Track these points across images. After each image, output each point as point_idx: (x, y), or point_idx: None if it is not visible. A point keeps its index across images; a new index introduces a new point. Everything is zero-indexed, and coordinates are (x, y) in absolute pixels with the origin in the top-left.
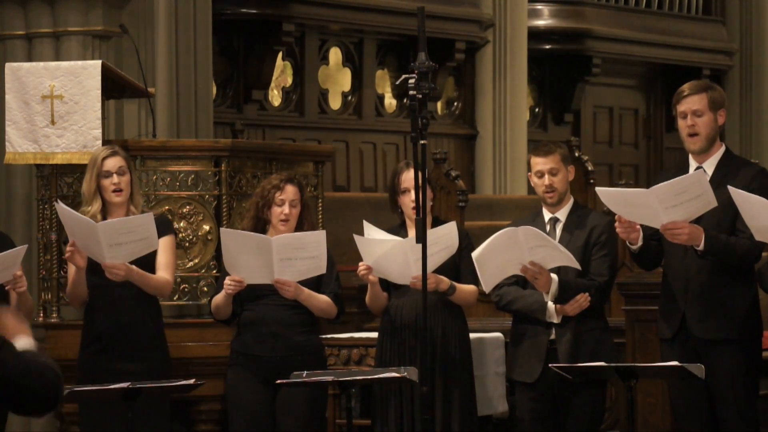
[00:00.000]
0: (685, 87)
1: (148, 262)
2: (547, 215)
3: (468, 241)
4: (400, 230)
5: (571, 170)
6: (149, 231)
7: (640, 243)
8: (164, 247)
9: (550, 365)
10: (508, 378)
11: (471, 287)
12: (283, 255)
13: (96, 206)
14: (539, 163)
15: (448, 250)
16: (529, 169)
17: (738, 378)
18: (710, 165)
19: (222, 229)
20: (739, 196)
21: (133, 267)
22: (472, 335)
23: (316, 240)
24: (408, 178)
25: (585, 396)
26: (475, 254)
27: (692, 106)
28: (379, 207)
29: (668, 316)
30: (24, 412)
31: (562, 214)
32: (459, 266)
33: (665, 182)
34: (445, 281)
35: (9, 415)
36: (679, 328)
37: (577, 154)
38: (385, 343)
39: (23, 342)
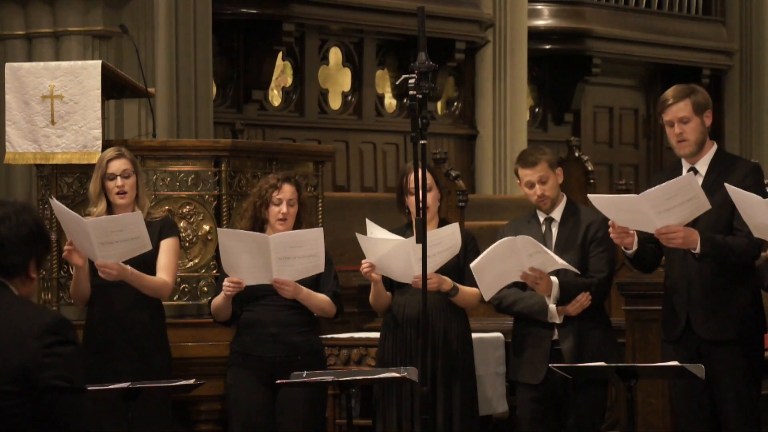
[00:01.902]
0: (668, 95)
1: (147, 262)
2: (542, 216)
3: (473, 243)
4: (406, 230)
5: (559, 173)
6: (139, 230)
7: (635, 248)
8: (166, 249)
9: (550, 365)
10: (510, 379)
11: (474, 290)
12: (281, 254)
13: (101, 207)
14: (527, 174)
15: (451, 250)
16: (518, 178)
17: (740, 378)
18: (703, 165)
19: (219, 229)
20: (736, 193)
21: (127, 267)
22: (472, 335)
23: (314, 238)
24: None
25: (586, 396)
26: (473, 265)
27: (678, 114)
28: (379, 207)
29: (672, 320)
30: None
31: (557, 213)
32: (463, 268)
33: (656, 187)
34: (447, 282)
35: None
36: (683, 330)
37: (577, 154)
38: (387, 341)
39: None
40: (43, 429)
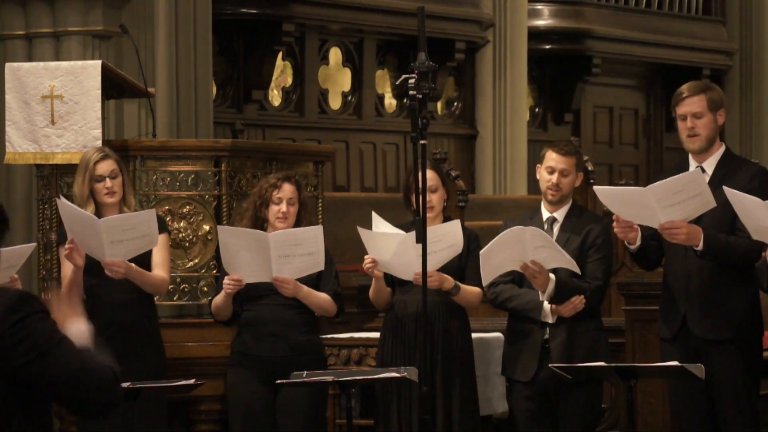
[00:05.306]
0: (684, 89)
1: (143, 260)
2: (545, 214)
3: (476, 243)
4: (411, 226)
5: (580, 177)
6: (151, 228)
7: (638, 243)
8: (159, 246)
9: (550, 365)
10: (503, 375)
11: (475, 289)
12: (280, 252)
13: (89, 209)
14: (554, 159)
15: (453, 249)
16: (540, 161)
17: (738, 378)
18: (710, 165)
19: (219, 227)
20: (733, 196)
21: (132, 265)
22: (473, 335)
23: (314, 235)
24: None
25: (579, 396)
26: (482, 252)
27: (692, 109)
28: (379, 207)
29: (669, 316)
30: (81, 412)
31: (560, 214)
32: (465, 267)
33: (663, 180)
34: (449, 280)
35: None
36: (680, 328)
37: None
38: (387, 339)
39: (77, 328)
40: (27, 408)
